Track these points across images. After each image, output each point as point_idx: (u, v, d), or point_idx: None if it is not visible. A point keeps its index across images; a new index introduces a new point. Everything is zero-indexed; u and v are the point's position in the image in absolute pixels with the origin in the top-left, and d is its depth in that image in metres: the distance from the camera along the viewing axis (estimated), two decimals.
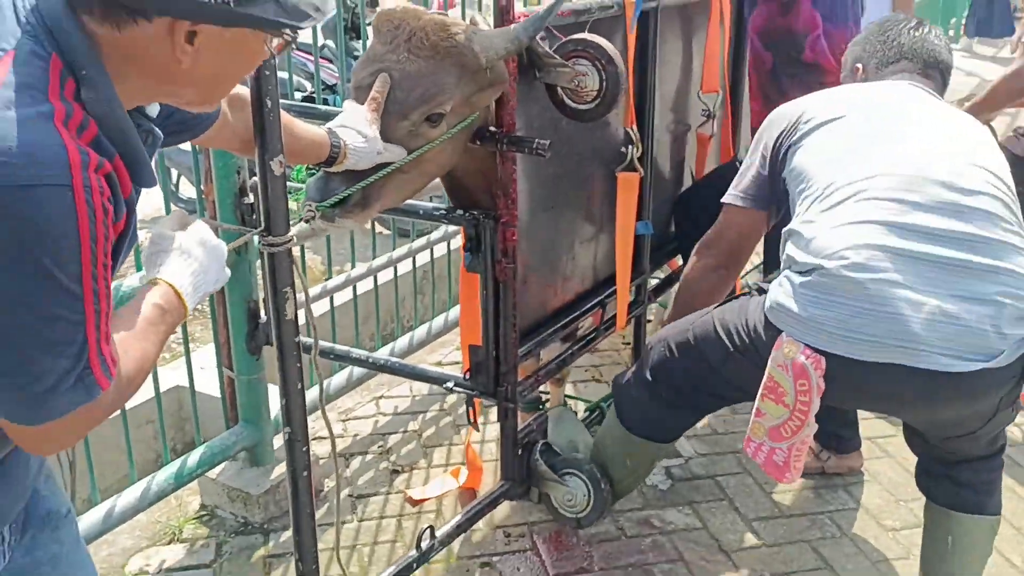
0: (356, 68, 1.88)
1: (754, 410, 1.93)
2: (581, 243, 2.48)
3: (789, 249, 1.95)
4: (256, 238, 2.24)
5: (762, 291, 2.04)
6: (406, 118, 1.79)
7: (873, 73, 2.27)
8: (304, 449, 1.69)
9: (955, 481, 2.12)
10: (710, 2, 2.72)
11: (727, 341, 2.02)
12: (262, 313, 2.54)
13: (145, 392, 3.02)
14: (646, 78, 2.48)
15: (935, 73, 2.24)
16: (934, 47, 2.25)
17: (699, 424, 3.06)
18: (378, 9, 1.93)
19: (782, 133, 2.11)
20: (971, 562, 2.16)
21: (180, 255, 1.25)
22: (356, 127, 1.72)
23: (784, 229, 2.03)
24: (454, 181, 2.12)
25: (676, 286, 2.39)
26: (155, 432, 3.22)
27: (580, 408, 2.94)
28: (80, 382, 1.01)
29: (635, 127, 2.39)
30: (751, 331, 1.96)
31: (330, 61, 5.63)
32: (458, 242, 3.51)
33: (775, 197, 2.17)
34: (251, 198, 2.40)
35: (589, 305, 2.50)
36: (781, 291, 1.88)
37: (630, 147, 2.39)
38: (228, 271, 1.36)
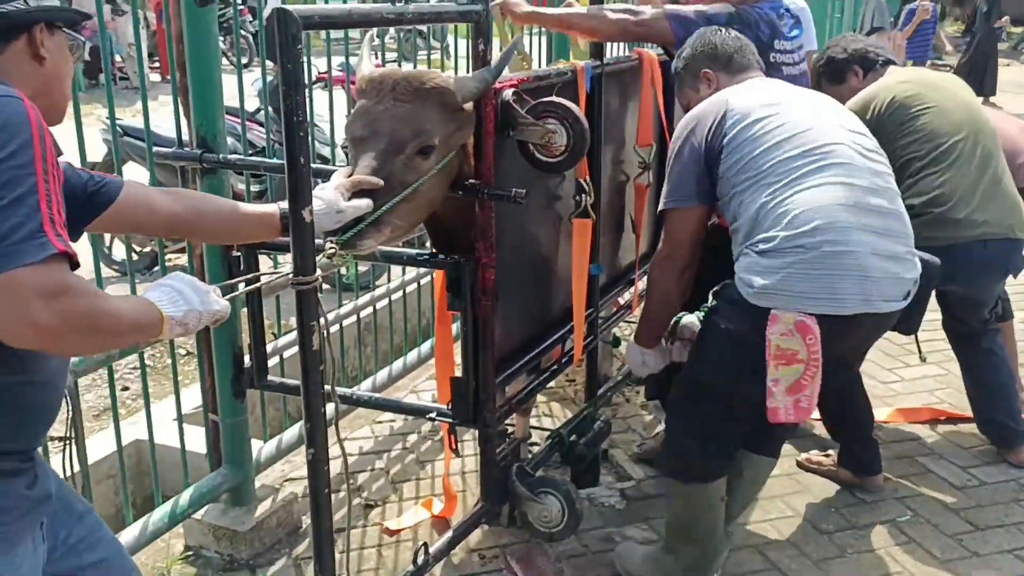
0: (348, 123, 2.10)
1: (769, 383, 2.20)
2: (544, 282, 2.73)
3: (749, 228, 2.25)
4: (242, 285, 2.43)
5: (707, 312, 2.38)
6: (402, 152, 2.01)
7: (727, 80, 2.56)
8: (326, 468, 1.87)
9: (768, 434, 2.55)
10: (642, 69, 3.05)
11: (725, 358, 2.33)
12: (247, 358, 2.70)
13: (106, 446, 3.14)
14: (595, 134, 2.77)
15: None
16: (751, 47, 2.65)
17: (646, 448, 3.34)
18: (358, 75, 2.18)
19: (711, 131, 2.35)
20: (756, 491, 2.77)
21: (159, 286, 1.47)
22: (316, 193, 1.88)
23: (733, 211, 2.32)
24: (437, 227, 2.36)
25: (644, 307, 2.64)
26: (116, 487, 3.30)
27: (543, 435, 3.16)
28: (34, 238, 1.18)
29: (588, 178, 2.67)
30: (737, 332, 2.27)
31: (260, 124, 5.87)
32: (398, 295, 3.74)
33: (706, 189, 2.39)
34: (236, 251, 2.58)
35: (552, 339, 2.75)
36: (757, 275, 2.19)
37: (583, 196, 2.67)
38: (224, 301, 1.54)
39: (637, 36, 2.81)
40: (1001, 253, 3.09)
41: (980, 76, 12.27)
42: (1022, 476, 3.24)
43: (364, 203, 1.91)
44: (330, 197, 1.88)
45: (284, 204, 1.86)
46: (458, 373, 2.38)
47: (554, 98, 2.27)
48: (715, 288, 2.43)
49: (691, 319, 2.58)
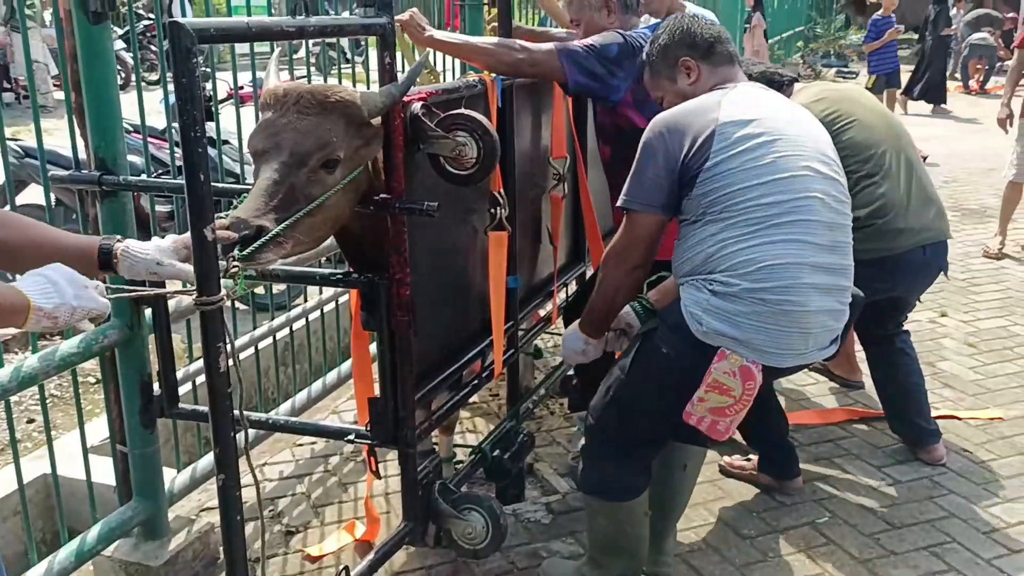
0: (250, 136, 2.04)
1: (695, 398, 2.21)
2: (461, 296, 2.70)
3: (702, 261, 2.21)
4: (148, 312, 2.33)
5: (645, 334, 2.36)
6: (305, 165, 1.95)
7: (709, 71, 2.42)
8: (237, 494, 1.81)
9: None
10: (554, 84, 3.04)
11: (658, 382, 2.32)
12: (155, 386, 2.61)
13: (11, 482, 3.00)
14: (507, 146, 2.76)
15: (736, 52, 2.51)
16: (726, 34, 2.50)
17: (570, 459, 3.33)
18: (264, 89, 2.13)
19: (693, 147, 2.21)
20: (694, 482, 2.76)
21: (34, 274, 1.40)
22: (155, 241, 1.83)
23: (689, 233, 2.27)
24: (352, 244, 2.31)
25: (592, 298, 2.52)
26: (22, 524, 3.17)
27: (464, 452, 3.13)
28: None
29: (501, 190, 2.65)
30: (678, 360, 2.26)
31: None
32: (316, 315, 3.67)
33: (675, 203, 2.30)
34: None
35: (472, 353, 2.72)
36: (709, 315, 2.18)
37: (498, 208, 2.65)
38: (104, 300, 1.48)
39: (531, 75, 2.76)
40: (936, 255, 3.27)
41: (925, 84, 12.63)
42: (935, 474, 3.32)
43: (187, 268, 1.81)
44: (152, 247, 1.81)
45: (106, 238, 1.80)
46: (376, 392, 2.34)
47: (463, 110, 2.25)
48: (651, 280, 2.46)
49: (627, 310, 2.57)
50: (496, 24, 3.19)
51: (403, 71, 2.54)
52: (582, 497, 2.58)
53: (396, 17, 2.78)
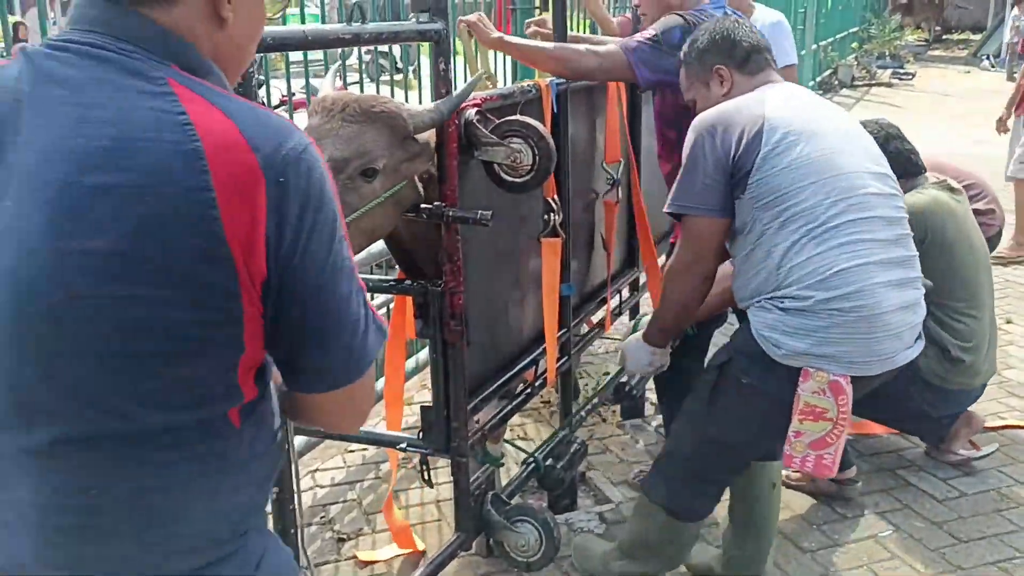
0: None
1: (791, 434, 2.13)
2: (513, 304, 2.67)
3: (767, 276, 2.13)
4: None
5: (720, 366, 2.27)
6: (342, 171, 1.93)
7: (742, 80, 2.35)
8: (291, 507, 1.80)
9: None
10: (608, 86, 3.01)
11: (743, 415, 2.24)
12: None
13: None
14: (561, 152, 2.73)
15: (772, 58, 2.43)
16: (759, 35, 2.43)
17: (632, 475, 3.27)
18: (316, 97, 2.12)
19: (741, 145, 2.14)
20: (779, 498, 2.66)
21: None
22: None
23: (746, 244, 2.18)
24: (401, 250, 2.30)
25: (658, 311, 2.47)
26: None
27: (518, 459, 3.09)
28: (373, 323, 1.10)
29: (555, 196, 2.62)
30: (763, 389, 2.17)
31: None
32: None
33: (730, 204, 2.21)
34: None
35: (525, 362, 2.69)
36: (786, 335, 2.09)
37: (552, 215, 2.62)
38: None
39: (601, 78, 2.72)
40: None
41: None
42: (1002, 486, 3.21)
43: None
44: None
45: None
46: (427, 401, 2.32)
47: (518, 116, 2.22)
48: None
49: None
50: (537, 27, 3.17)
51: (463, 77, 2.53)
52: (640, 496, 2.53)
53: (463, 18, 2.77)
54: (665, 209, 2.31)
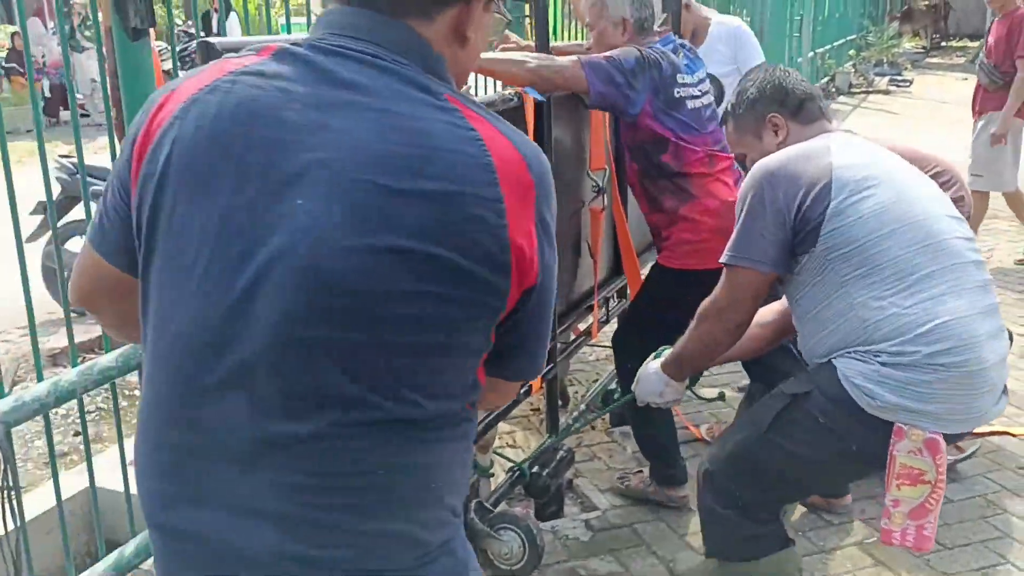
0: None
1: (889, 502, 2.02)
2: None
3: (857, 328, 2.01)
4: None
5: (794, 395, 2.13)
6: None
7: (798, 130, 2.27)
8: None
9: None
10: None
11: (807, 451, 2.10)
12: None
13: (48, 500, 3.03)
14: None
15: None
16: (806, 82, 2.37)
17: (630, 487, 3.26)
18: None
19: (808, 198, 2.04)
20: None
21: None
22: None
23: (821, 298, 2.08)
24: None
25: (685, 345, 2.34)
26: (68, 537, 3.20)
27: (503, 468, 3.10)
28: None
29: None
30: (843, 434, 2.04)
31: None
32: None
33: (787, 258, 2.13)
34: None
35: None
36: (883, 388, 1.96)
37: None
38: None
39: (555, 85, 2.73)
40: None
41: None
42: (988, 492, 3.22)
43: None
44: None
45: None
46: None
47: None
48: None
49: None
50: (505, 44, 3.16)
51: None
52: (719, 567, 2.38)
53: None
54: (720, 260, 2.20)
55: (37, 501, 3.23)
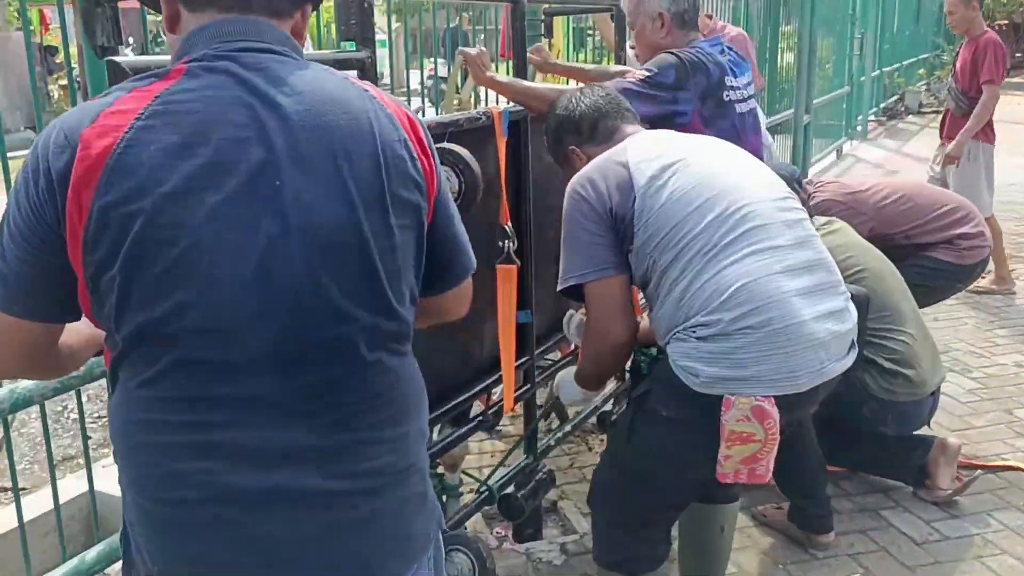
0: None
1: (720, 459, 2.02)
2: (467, 330, 2.67)
3: (675, 311, 2.03)
4: None
5: (638, 397, 2.17)
6: None
7: (597, 152, 2.29)
8: None
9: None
10: None
11: (666, 448, 2.14)
12: None
13: (63, 495, 3.12)
14: (520, 178, 2.73)
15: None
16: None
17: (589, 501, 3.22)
18: None
19: (615, 196, 2.09)
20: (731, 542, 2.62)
21: None
22: None
23: (652, 290, 2.11)
24: None
25: (582, 364, 2.36)
26: (68, 538, 3.28)
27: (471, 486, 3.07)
28: None
29: (509, 224, 2.61)
30: (682, 420, 2.07)
31: None
32: None
33: (623, 259, 2.14)
34: None
35: (475, 389, 2.68)
36: (700, 363, 1.98)
37: (507, 241, 2.61)
38: None
39: None
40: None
41: None
42: (988, 530, 3.07)
43: None
44: None
45: None
46: None
47: (445, 144, 2.23)
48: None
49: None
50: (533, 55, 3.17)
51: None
52: (598, 571, 2.42)
53: (463, 49, 2.79)
54: (558, 289, 2.20)
55: (38, 503, 3.33)
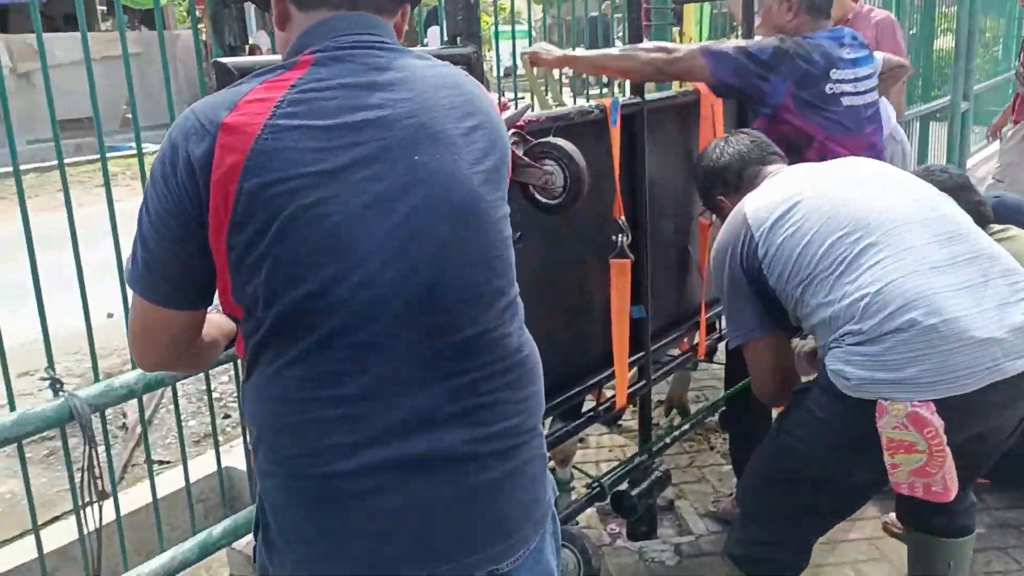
0: None
1: (888, 466, 1.95)
2: (578, 325, 2.65)
3: (826, 331, 2.01)
4: None
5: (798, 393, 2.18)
6: None
7: (748, 185, 2.37)
8: None
9: (950, 511, 2.25)
10: (700, 103, 2.92)
11: (817, 448, 2.07)
12: None
13: (195, 473, 3.29)
14: (635, 172, 2.68)
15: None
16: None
17: (722, 508, 3.14)
18: None
19: (742, 254, 2.17)
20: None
21: None
22: None
23: (803, 322, 2.13)
24: None
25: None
26: (206, 511, 3.46)
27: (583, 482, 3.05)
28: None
29: (623, 217, 2.57)
30: (837, 422, 2.01)
31: None
32: None
33: (769, 314, 2.21)
34: None
35: (587, 384, 2.65)
36: (851, 366, 1.93)
37: (620, 235, 2.57)
38: None
39: (672, 75, 2.66)
40: None
41: None
42: None
43: None
44: None
45: None
46: None
47: (550, 138, 2.21)
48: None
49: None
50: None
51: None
52: (730, 567, 2.33)
53: (523, 51, 2.80)
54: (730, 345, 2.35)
55: (179, 477, 3.53)
